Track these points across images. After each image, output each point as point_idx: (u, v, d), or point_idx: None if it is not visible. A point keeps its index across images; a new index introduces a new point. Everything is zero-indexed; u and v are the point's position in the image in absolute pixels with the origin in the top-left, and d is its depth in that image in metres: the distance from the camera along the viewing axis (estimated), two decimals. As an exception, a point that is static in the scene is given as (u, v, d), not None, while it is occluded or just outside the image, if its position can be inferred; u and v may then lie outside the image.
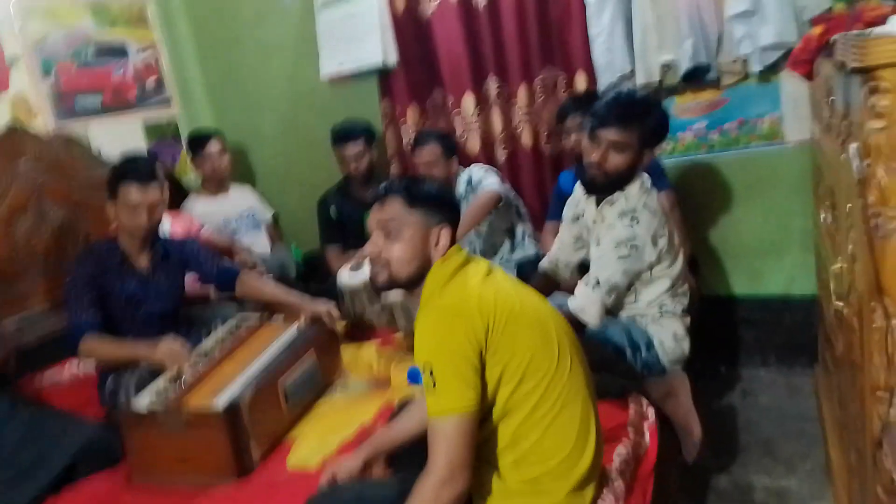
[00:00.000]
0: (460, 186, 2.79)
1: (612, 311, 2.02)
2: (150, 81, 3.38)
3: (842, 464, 1.78)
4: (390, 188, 1.43)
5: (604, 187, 1.98)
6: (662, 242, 1.93)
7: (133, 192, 2.16)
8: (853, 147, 1.22)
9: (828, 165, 1.82)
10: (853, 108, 1.24)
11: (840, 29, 1.54)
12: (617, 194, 1.96)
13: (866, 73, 1.07)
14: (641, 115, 1.91)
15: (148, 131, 3.35)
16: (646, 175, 2.02)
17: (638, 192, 1.94)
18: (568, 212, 2.24)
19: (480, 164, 2.88)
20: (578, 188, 2.17)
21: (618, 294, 1.95)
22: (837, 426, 1.87)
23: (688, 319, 2.08)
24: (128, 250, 2.28)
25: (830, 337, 1.92)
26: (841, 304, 1.60)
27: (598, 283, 1.91)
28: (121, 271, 2.26)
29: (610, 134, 1.90)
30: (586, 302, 1.92)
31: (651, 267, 1.94)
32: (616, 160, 1.91)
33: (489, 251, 2.87)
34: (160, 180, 2.23)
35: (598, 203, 2.03)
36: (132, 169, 2.21)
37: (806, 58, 1.78)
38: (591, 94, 2.63)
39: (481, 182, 2.71)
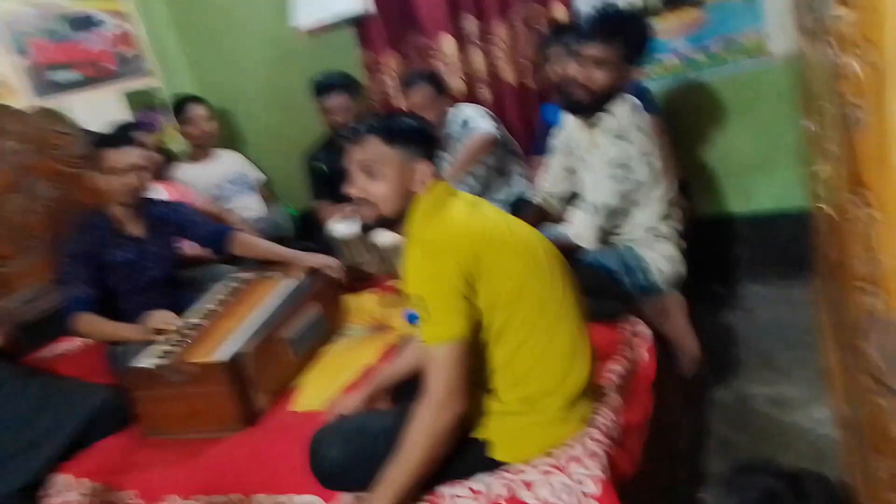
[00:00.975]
0: (454, 126, 2.77)
1: (607, 237, 2.03)
2: (128, 51, 3.33)
3: (836, 365, 1.81)
4: (368, 127, 1.42)
5: (588, 106, 1.96)
6: (655, 162, 1.92)
7: (113, 157, 2.18)
8: (829, 42, 1.21)
9: (811, 71, 1.79)
10: (828, 3, 1.22)
11: (812, -75, 1.51)
12: (605, 116, 1.94)
13: (833, -39, 1.05)
14: (624, 29, 1.89)
15: (131, 101, 3.32)
16: (633, 97, 2.00)
17: (627, 112, 1.93)
18: (557, 143, 2.22)
19: (471, 103, 2.85)
20: (566, 118, 2.15)
21: (614, 217, 1.95)
22: (831, 330, 1.90)
23: (682, 242, 2.08)
24: (120, 218, 2.29)
25: (823, 244, 1.93)
26: (828, 206, 1.60)
27: (593, 206, 1.92)
28: (115, 240, 2.28)
29: (593, 50, 1.88)
30: (583, 226, 1.93)
31: (645, 187, 1.93)
32: (600, 76, 1.89)
33: (483, 191, 2.86)
34: (140, 144, 2.24)
35: (588, 129, 2.01)
36: (109, 135, 2.25)
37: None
38: (571, 23, 2.58)
39: (476, 123, 2.69)
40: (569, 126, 2.15)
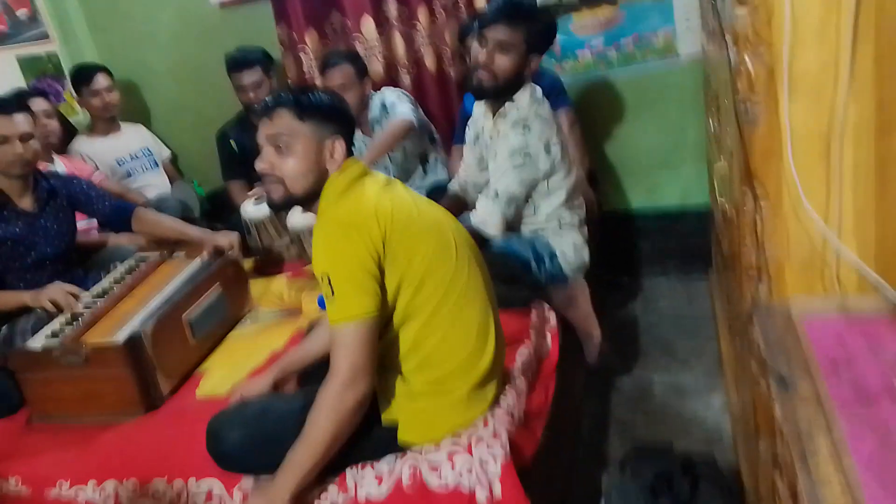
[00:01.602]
0: (374, 110, 2.73)
1: (513, 226, 2.06)
2: (21, 12, 3.10)
3: (730, 354, 1.92)
4: (279, 100, 1.38)
5: (492, 92, 1.99)
6: (556, 151, 1.97)
7: None
8: (726, 40, 1.26)
9: (713, 71, 1.88)
10: (728, 3, 1.28)
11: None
12: (508, 105, 1.98)
13: (733, -39, 1.10)
14: (528, 15, 1.94)
15: (25, 68, 3.10)
16: (537, 87, 2.04)
17: (529, 102, 1.97)
18: (469, 132, 2.24)
19: (394, 88, 2.82)
20: (476, 107, 2.17)
21: (517, 205, 1.98)
22: (725, 320, 2.01)
23: (585, 230, 2.14)
24: (7, 191, 2.14)
25: (719, 237, 2.03)
26: (724, 200, 1.69)
27: (496, 194, 1.94)
28: (1, 214, 2.13)
29: (497, 33, 1.91)
30: (487, 214, 1.95)
31: (547, 176, 1.97)
32: (503, 61, 1.92)
33: (402, 177, 2.85)
34: (30, 111, 2.11)
35: (493, 117, 2.05)
36: None
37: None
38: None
39: (395, 107, 2.66)
40: (477, 115, 2.18)
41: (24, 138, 2.08)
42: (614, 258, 2.74)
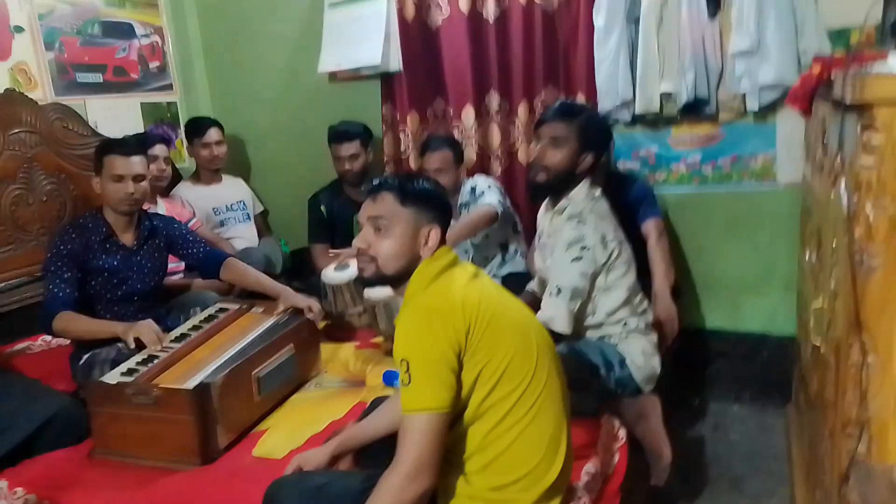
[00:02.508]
0: (464, 195, 2.79)
1: (578, 331, 2.02)
2: (153, 64, 3.38)
3: (806, 502, 1.78)
4: (384, 183, 1.43)
5: (545, 188, 2.03)
6: (613, 246, 1.95)
7: (117, 163, 2.19)
8: (843, 183, 1.24)
9: (816, 205, 1.84)
10: (846, 145, 1.26)
11: (839, 67, 1.57)
12: (564, 201, 2.01)
13: (861, 109, 1.09)
14: (579, 112, 2.03)
15: (146, 113, 3.34)
16: (597, 188, 2.06)
17: (584, 198, 2.00)
18: (537, 236, 2.26)
19: (486, 176, 2.89)
20: (541, 209, 2.20)
21: (580, 299, 1.94)
22: (805, 465, 1.88)
23: (654, 336, 2.07)
24: (112, 224, 2.27)
25: (806, 376, 1.93)
26: (819, 341, 1.61)
27: (558, 290, 1.92)
28: (104, 246, 2.25)
29: (549, 129, 1.99)
30: (553, 311, 1.91)
31: (606, 269, 1.95)
32: (555, 156, 1.97)
33: (480, 263, 2.87)
34: (148, 155, 2.27)
35: (551, 215, 2.07)
36: (118, 142, 2.29)
37: (804, 93, 1.81)
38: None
39: (483, 195, 2.72)
40: (540, 215, 2.21)
41: (137, 179, 2.22)
42: (687, 376, 2.64)
